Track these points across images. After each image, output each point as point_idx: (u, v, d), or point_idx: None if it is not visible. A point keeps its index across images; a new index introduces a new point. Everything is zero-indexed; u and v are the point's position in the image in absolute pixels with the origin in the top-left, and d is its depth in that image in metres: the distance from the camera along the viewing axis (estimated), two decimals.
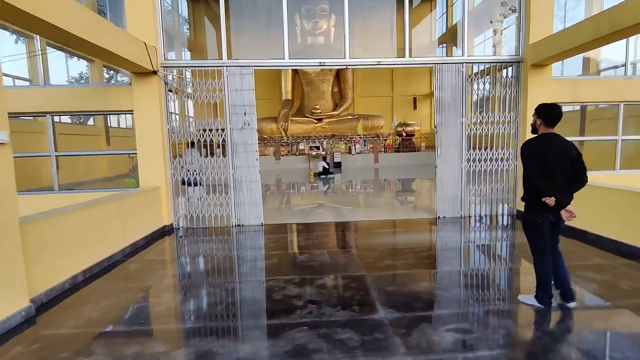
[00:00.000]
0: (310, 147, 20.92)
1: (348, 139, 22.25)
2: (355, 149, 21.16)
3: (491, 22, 7.23)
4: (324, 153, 19.43)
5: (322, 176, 15.43)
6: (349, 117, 23.76)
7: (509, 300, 3.35)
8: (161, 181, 6.22)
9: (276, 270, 4.27)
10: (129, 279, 4.15)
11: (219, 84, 6.32)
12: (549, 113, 2.81)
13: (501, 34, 7.09)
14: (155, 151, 6.16)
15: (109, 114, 7.27)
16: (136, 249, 5.28)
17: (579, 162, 2.73)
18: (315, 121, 23.75)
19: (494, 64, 6.61)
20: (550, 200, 2.67)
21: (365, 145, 22.03)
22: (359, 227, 6.30)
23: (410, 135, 21.36)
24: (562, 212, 2.73)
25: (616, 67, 7.65)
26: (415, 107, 30.77)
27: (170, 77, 6.30)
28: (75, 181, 7.35)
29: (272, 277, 4.02)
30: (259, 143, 23.11)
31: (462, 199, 6.72)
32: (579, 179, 2.73)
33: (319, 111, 24.09)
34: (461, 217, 6.75)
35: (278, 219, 6.96)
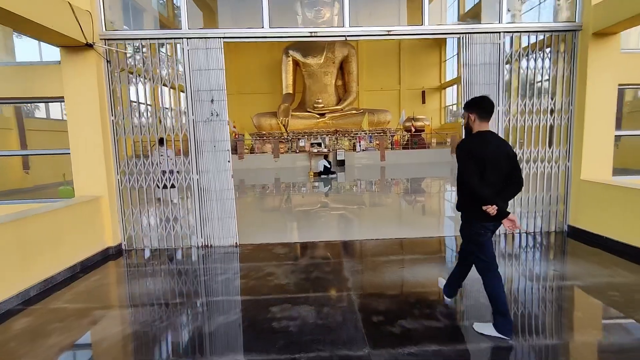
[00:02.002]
0: (312, 144, 19.38)
1: (352, 135, 20.68)
2: (360, 145, 19.58)
3: None
4: (325, 150, 17.88)
5: (322, 176, 13.92)
6: (354, 111, 22.18)
7: None
8: (102, 190, 4.75)
9: (231, 343, 2.76)
10: None
11: (176, 62, 4.82)
12: (479, 104, 2.53)
13: None
14: (94, 151, 4.69)
15: (28, 103, 5.80)
16: (49, 287, 3.81)
17: (515, 163, 2.50)
18: (318, 116, 22.20)
19: (543, 32, 5.01)
20: (492, 209, 2.40)
21: (370, 142, 20.41)
22: (362, 250, 4.77)
23: (419, 130, 19.72)
24: (505, 221, 2.43)
25: None
26: (424, 101, 29.08)
27: (118, 54, 4.81)
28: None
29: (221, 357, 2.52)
30: (257, 139, 21.65)
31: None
32: (516, 182, 2.49)
33: (322, 105, 22.54)
34: (496, 235, 5.20)
35: (259, 237, 5.46)
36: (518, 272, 3.96)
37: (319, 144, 19.15)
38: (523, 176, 2.57)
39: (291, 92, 24.06)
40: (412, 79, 29.00)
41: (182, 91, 4.83)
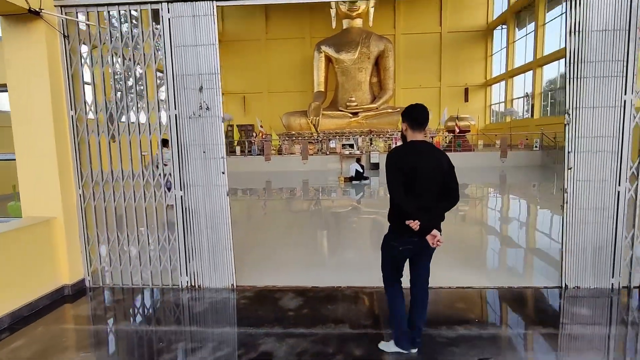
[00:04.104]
0: (343, 145, 17.85)
1: (388, 135, 18.93)
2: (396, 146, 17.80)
3: None
4: (358, 153, 16.29)
5: (354, 182, 12.39)
6: (389, 110, 20.38)
7: None
8: (56, 209, 3.53)
9: None
10: None
11: (152, 34, 3.51)
12: (409, 113, 2.35)
13: None
14: (44, 157, 3.48)
15: None
16: None
17: (450, 177, 2.32)
18: (351, 115, 20.63)
19: None
20: (414, 224, 2.21)
21: (425, 137, 18.56)
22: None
23: (464, 131, 17.65)
24: (428, 237, 2.23)
25: None
26: (466, 100, 26.67)
27: (81, 25, 3.59)
28: None
29: None
30: (285, 140, 20.60)
31: (616, 254, 3.42)
32: (449, 197, 2.33)
33: (355, 104, 20.94)
34: (611, 289, 3.47)
35: (265, 275, 4.05)
36: None
37: (351, 146, 17.60)
38: None
39: (323, 90, 22.66)
40: (453, 75, 26.67)
41: (160, 71, 3.51)
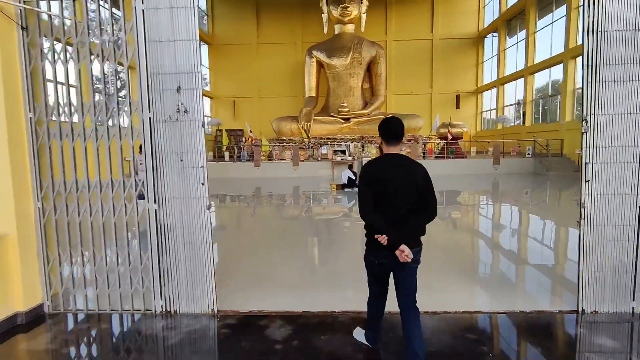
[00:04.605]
0: (335, 151, 17.51)
1: (380, 141, 18.64)
2: None
3: None
4: (350, 159, 15.97)
5: (346, 189, 12.05)
6: (382, 116, 20.10)
7: None
8: (8, 225, 3.08)
9: None
10: None
11: (123, 27, 3.11)
12: (384, 128, 2.35)
13: None
14: None
15: None
16: None
17: (426, 192, 2.26)
18: (342, 121, 20.34)
19: None
20: (382, 239, 2.20)
21: (401, 150, 18.30)
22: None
23: (457, 138, 17.49)
24: (397, 252, 2.20)
25: None
26: (458, 106, 26.66)
27: (42, 16, 3.17)
28: None
29: None
30: (276, 145, 20.30)
31: (638, 275, 3.12)
32: (425, 212, 2.26)
33: (347, 109, 20.67)
34: (632, 313, 3.16)
35: (250, 297, 3.65)
36: None
37: (343, 152, 17.27)
38: None
39: (314, 95, 22.37)
40: (445, 82, 26.69)
41: (133, 68, 3.11)
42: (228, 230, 7.20)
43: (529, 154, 16.73)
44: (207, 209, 3.19)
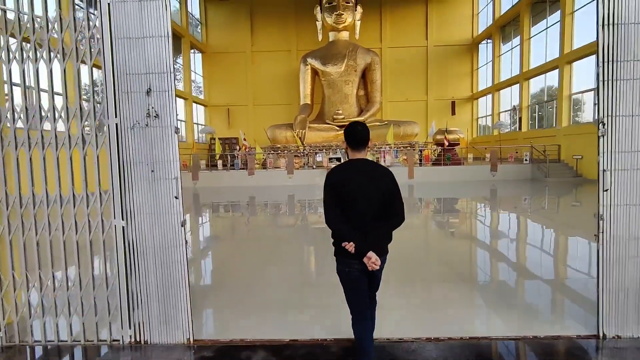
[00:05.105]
0: (330, 158, 17.22)
1: (376, 149, 18.41)
2: (384, 161, 17.28)
3: None
4: None
5: None
6: (377, 123, 19.93)
7: None
8: None
9: None
10: None
11: (86, 23, 2.79)
12: (348, 133, 2.28)
13: None
14: None
15: None
16: None
17: (391, 197, 2.21)
18: (337, 128, 20.07)
19: None
20: (349, 246, 2.14)
21: (397, 157, 18.08)
22: None
23: (453, 144, 17.26)
24: (364, 259, 2.14)
25: None
26: (453, 113, 26.55)
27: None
28: None
29: None
30: (270, 153, 19.99)
31: None
32: (391, 218, 2.21)
33: (342, 117, 20.42)
34: None
35: (232, 324, 3.28)
36: None
37: (338, 159, 16.97)
38: None
39: (309, 102, 22.15)
40: (440, 88, 26.61)
41: (98, 67, 2.77)
42: (210, 244, 6.81)
43: (526, 160, 16.51)
44: (182, 226, 2.84)
